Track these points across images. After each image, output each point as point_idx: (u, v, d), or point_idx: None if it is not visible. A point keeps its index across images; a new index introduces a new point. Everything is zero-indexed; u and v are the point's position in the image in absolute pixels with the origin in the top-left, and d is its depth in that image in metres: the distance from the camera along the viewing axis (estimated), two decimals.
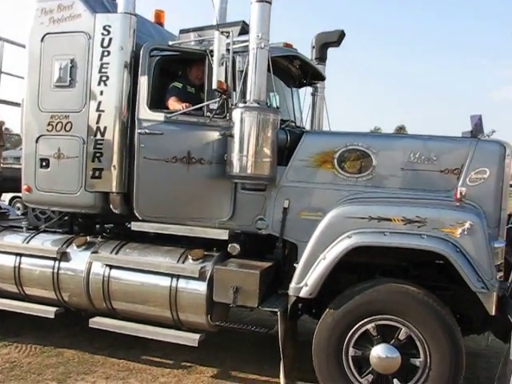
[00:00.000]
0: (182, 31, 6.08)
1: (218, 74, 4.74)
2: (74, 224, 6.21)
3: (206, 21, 6.41)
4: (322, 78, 6.81)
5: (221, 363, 5.68)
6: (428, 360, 4.40)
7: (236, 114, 4.83)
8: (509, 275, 4.82)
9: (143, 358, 5.72)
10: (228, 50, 4.89)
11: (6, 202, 7.11)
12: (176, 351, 5.78)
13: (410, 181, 4.88)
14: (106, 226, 6.21)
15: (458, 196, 4.41)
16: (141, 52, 5.35)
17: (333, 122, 6.74)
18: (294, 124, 6.01)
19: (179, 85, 5.63)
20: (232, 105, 5.02)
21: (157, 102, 5.47)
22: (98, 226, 6.23)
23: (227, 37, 4.96)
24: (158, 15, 7.03)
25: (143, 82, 5.36)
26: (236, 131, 4.82)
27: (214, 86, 4.77)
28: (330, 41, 7.06)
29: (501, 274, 4.81)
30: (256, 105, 4.77)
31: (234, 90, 5.13)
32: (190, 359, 5.72)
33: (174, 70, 5.97)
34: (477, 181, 4.74)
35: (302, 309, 5.24)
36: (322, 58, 7.12)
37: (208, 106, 5.24)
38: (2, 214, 7.28)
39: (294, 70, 6.24)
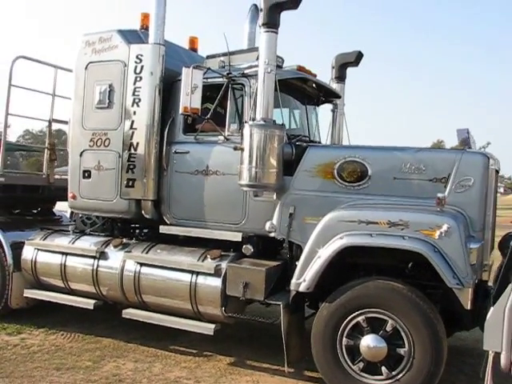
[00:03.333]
0: (209, 57, 6.82)
1: (183, 101, 5.54)
2: (114, 228, 7.05)
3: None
4: (338, 96, 7.39)
5: (238, 353, 6.31)
6: (412, 349, 4.88)
7: (246, 130, 5.51)
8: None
9: (170, 347, 6.43)
10: (205, 78, 5.71)
11: (68, 211, 8.06)
12: (200, 343, 6.48)
13: (402, 189, 5.38)
14: (141, 230, 7.01)
15: (437, 202, 4.89)
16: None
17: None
18: (307, 138, 6.64)
19: (210, 105, 6.32)
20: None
21: (190, 123, 6.23)
22: (134, 230, 7.06)
23: (223, 66, 5.76)
24: (192, 41, 7.87)
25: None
26: (245, 145, 5.49)
27: (181, 110, 5.61)
28: (348, 61, 7.68)
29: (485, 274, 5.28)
30: (262, 122, 5.44)
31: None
32: (212, 350, 6.39)
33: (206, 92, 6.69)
34: (462, 188, 5.20)
35: (310, 305, 5.86)
36: (341, 77, 7.76)
37: (229, 125, 6.00)
38: (56, 219, 8.27)
39: (310, 90, 6.87)
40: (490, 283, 5.61)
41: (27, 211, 8.31)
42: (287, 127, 6.69)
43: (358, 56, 7.62)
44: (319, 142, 7.04)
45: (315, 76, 6.75)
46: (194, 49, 7.79)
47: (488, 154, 5.32)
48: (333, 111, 7.70)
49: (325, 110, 7.72)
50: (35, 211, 8.48)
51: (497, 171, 5.80)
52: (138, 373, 5.61)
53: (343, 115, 7.71)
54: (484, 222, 5.20)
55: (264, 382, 5.58)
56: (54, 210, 8.57)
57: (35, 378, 5.33)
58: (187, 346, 6.49)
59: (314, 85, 6.84)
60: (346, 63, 7.68)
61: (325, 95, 7.19)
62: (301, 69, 6.42)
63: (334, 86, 7.61)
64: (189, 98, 5.57)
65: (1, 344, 6.35)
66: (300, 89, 6.67)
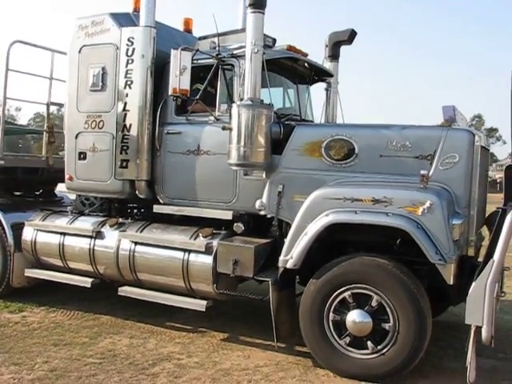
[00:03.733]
0: (201, 38, 6.89)
1: (172, 83, 5.62)
2: (111, 208, 7.19)
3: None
4: (330, 75, 7.41)
5: (232, 330, 6.46)
6: (396, 324, 4.97)
7: (234, 110, 5.58)
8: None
9: (166, 324, 6.60)
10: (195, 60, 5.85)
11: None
12: (196, 320, 6.65)
13: (388, 166, 5.43)
14: (138, 210, 7.15)
15: (421, 179, 4.94)
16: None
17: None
18: (298, 117, 6.70)
19: (201, 86, 6.42)
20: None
21: (182, 105, 6.28)
22: (131, 209, 7.20)
23: (214, 47, 5.83)
24: (187, 22, 7.93)
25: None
26: (234, 125, 5.56)
27: (170, 92, 5.68)
28: (341, 39, 7.68)
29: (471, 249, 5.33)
30: (250, 102, 5.51)
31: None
32: (207, 326, 6.56)
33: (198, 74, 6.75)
34: (447, 165, 5.24)
35: (301, 281, 5.96)
36: (334, 55, 7.77)
37: (220, 105, 6.08)
38: (57, 201, 8.44)
39: (302, 69, 6.90)
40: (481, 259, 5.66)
41: (29, 193, 8.49)
42: (279, 106, 6.79)
43: (351, 34, 7.59)
44: (311, 121, 7.09)
45: (306, 55, 6.78)
46: (188, 30, 7.84)
47: (473, 130, 5.34)
48: (326, 90, 7.72)
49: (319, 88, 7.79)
50: (37, 193, 8.66)
51: (485, 148, 5.85)
52: (133, 348, 5.77)
53: (337, 93, 7.73)
54: (469, 199, 5.24)
55: (255, 356, 5.71)
56: (55, 191, 8.72)
57: (33, 354, 5.51)
58: (183, 323, 6.63)
59: (305, 64, 6.87)
60: (340, 41, 7.67)
61: (317, 74, 7.22)
62: (291, 48, 6.46)
63: (328, 64, 7.63)
64: (178, 80, 5.64)
65: (2, 321, 6.55)
66: (291, 68, 6.71)
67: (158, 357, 5.56)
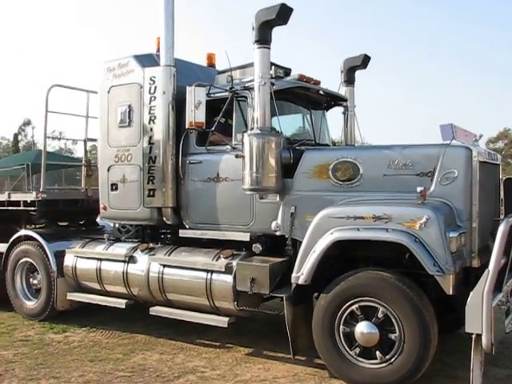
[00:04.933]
0: (219, 72, 7.42)
1: (188, 117, 6.18)
2: (144, 235, 7.74)
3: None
4: (345, 100, 7.78)
5: (257, 345, 6.84)
6: (402, 334, 5.22)
7: (245, 139, 6.03)
8: None
9: (196, 341, 7.05)
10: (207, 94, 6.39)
11: None
12: (224, 337, 7.07)
13: (391, 184, 5.74)
14: (167, 235, 7.65)
15: (418, 195, 5.23)
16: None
17: None
18: (312, 142, 7.08)
19: (222, 120, 6.86)
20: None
21: (202, 136, 6.79)
22: (162, 235, 7.72)
23: (231, 81, 6.30)
24: (210, 57, 8.47)
25: None
26: (246, 153, 6.01)
27: (187, 125, 6.23)
28: (355, 64, 8.08)
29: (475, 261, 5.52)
30: (259, 131, 5.95)
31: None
32: (234, 342, 6.96)
33: (217, 106, 7.22)
34: (447, 181, 5.51)
35: (318, 296, 6.28)
36: (350, 80, 8.17)
37: (236, 135, 6.54)
38: (98, 229, 9.08)
39: (315, 96, 7.30)
40: None
41: (72, 223, 9.18)
42: (294, 132, 7.21)
43: (365, 59, 8.00)
44: (327, 145, 7.46)
45: (318, 83, 7.19)
46: (211, 65, 8.37)
47: (471, 146, 5.58)
48: (344, 113, 8.10)
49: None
50: (80, 223, 9.34)
51: (491, 163, 6.05)
52: (162, 363, 6.25)
53: (354, 116, 8.10)
54: (470, 212, 5.46)
55: (274, 369, 6.06)
56: (97, 220, 9.37)
57: (71, 368, 6.08)
58: (212, 340, 7.07)
59: (320, 91, 7.28)
60: (354, 67, 8.08)
61: (332, 99, 7.61)
62: (302, 78, 6.87)
63: (344, 89, 8.03)
64: (193, 114, 6.17)
65: (47, 341, 7.19)
66: (304, 96, 7.11)
67: (184, 370, 6.01)
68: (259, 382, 5.66)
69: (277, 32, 6.07)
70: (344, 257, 5.85)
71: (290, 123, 7.22)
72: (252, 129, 6.07)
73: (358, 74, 8.25)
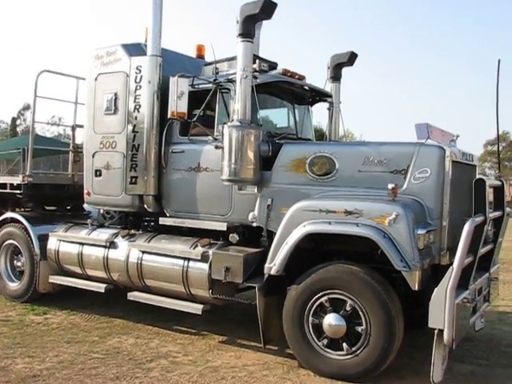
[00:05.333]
0: (206, 64, 7.52)
1: (170, 106, 6.30)
2: (127, 221, 7.86)
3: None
4: (329, 96, 7.88)
5: (232, 333, 6.96)
6: (368, 327, 5.34)
7: (225, 131, 6.14)
8: None
9: (173, 327, 7.17)
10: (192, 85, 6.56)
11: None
12: (201, 324, 7.20)
13: (366, 180, 5.86)
14: (149, 222, 7.77)
15: (389, 192, 5.34)
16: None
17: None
18: (294, 136, 7.19)
19: (205, 111, 6.95)
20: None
21: (185, 126, 6.90)
22: (144, 222, 7.84)
23: (217, 73, 6.39)
24: (199, 49, 8.55)
25: None
26: (225, 144, 6.12)
27: (169, 115, 6.34)
28: (342, 61, 8.16)
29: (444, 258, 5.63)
30: (238, 123, 6.05)
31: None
32: (210, 330, 7.07)
33: (201, 97, 7.33)
34: (420, 179, 5.62)
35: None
36: (336, 77, 8.26)
37: (217, 126, 6.63)
38: (85, 215, 9.17)
39: (300, 91, 7.41)
40: None
41: (60, 208, 9.29)
42: (278, 126, 7.32)
43: (352, 56, 8.09)
44: (309, 139, 7.56)
45: (303, 78, 7.29)
46: (201, 56, 8.45)
47: (444, 146, 5.68)
48: (329, 109, 8.18)
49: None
50: (68, 208, 9.45)
51: (466, 164, 6.16)
52: (136, 347, 6.38)
53: (339, 112, 8.19)
54: (441, 210, 5.57)
55: (246, 357, 6.18)
56: (84, 206, 9.48)
57: (47, 349, 6.22)
58: (189, 327, 7.20)
59: (305, 86, 7.39)
60: (341, 63, 8.16)
61: (317, 95, 7.71)
62: (286, 72, 6.97)
63: (330, 85, 8.12)
64: (175, 104, 6.27)
65: (27, 322, 7.34)
66: (288, 91, 7.22)
67: (157, 354, 6.13)
68: (229, 368, 5.78)
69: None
70: (318, 250, 5.97)
71: (274, 117, 7.33)
72: (232, 121, 6.17)
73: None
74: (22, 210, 9.26)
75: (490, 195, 6.01)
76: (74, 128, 8.91)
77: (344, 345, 5.48)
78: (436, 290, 5.04)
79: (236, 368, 5.80)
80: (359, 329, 5.41)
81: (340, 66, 8.20)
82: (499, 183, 6.43)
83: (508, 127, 62.43)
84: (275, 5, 6.09)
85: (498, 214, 6.23)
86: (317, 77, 7.96)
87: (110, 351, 6.19)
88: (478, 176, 6.12)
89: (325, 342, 5.59)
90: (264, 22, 6.99)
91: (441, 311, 4.98)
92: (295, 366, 5.88)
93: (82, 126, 8.75)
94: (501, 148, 59.19)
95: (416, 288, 5.17)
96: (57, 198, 9.06)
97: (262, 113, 6.68)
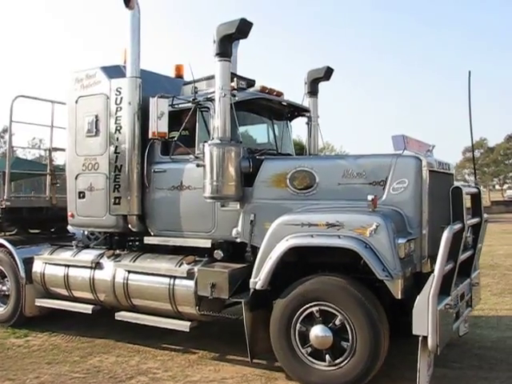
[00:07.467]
0: (185, 83, 7.61)
1: (151, 127, 6.42)
2: (112, 242, 7.88)
3: None
4: (307, 110, 8.03)
5: (213, 348, 7.01)
6: (354, 339, 5.39)
7: (206, 149, 6.23)
8: None
9: (155, 344, 7.21)
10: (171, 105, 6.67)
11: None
12: (183, 340, 7.26)
13: (346, 192, 5.97)
14: (134, 242, 7.79)
15: (369, 203, 5.45)
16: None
17: None
18: (274, 151, 7.31)
19: (176, 134, 6.84)
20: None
21: (166, 145, 6.97)
22: (130, 242, 7.87)
23: (196, 92, 6.48)
24: (178, 68, 8.62)
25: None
26: (206, 162, 6.21)
27: (150, 135, 6.46)
28: (318, 76, 8.31)
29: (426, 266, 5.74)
30: (218, 141, 6.15)
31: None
32: (190, 346, 7.13)
33: (181, 116, 7.18)
34: (398, 190, 5.75)
35: None
36: (313, 92, 8.40)
37: (198, 145, 6.70)
38: (69, 236, 9.18)
39: (278, 107, 7.54)
40: None
41: (44, 230, 9.28)
42: (258, 142, 7.42)
43: (327, 71, 8.25)
44: (290, 154, 7.68)
45: (281, 94, 7.42)
46: (179, 75, 8.54)
47: (420, 156, 5.83)
48: (307, 123, 8.33)
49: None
50: (52, 230, 9.44)
51: (443, 172, 6.31)
52: (117, 365, 6.48)
53: (317, 126, 8.34)
54: (421, 219, 5.69)
55: (224, 370, 6.27)
56: (68, 227, 9.49)
57: (27, 371, 6.30)
58: (170, 343, 7.24)
59: (284, 102, 7.52)
60: (318, 78, 8.31)
61: (295, 110, 7.85)
62: (263, 89, 7.10)
63: (307, 100, 8.26)
64: (156, 124, 6.36)
65: (7, 345, 7.40)
66: (266, 107, 7.35)
67: (137, 371, 6.25)
68: (208, 382, 5.89)
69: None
70: (303, 263, 6.06)
71: (254, 133, 7.44)
72: (213, 139, 6.27)
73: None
74: (6, 234, 9.25)
75: (467, 202, 6.18)
76: (50, 151, 8.98)
77: (327, 356, 5.54)
78: (418, 297, 5.14)
79: (215, 382, 5.92)
80: (345, 345, 5.47)
81: (316, 80, 8.35)
82: (476, 190, 6.59)
83: (485, 134, 63.62)
84: (251, 24, 6.22)
85: (475, 220, 6.38)
86: (295, 90, 8.11)
87: (91, 370, 6.27)
88: (455, 184, 6.24)
89: (308, 350, 5.65)
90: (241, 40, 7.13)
91: (424, 318, 5.07)
92: (273, 378, 5.99)
93: (59, 149, 8.84)
94: (479, 154, 60.05)
95: (399, 296, 5.27)
96: (38, 221, 9.08)
97: (241, 129, 6.77)
